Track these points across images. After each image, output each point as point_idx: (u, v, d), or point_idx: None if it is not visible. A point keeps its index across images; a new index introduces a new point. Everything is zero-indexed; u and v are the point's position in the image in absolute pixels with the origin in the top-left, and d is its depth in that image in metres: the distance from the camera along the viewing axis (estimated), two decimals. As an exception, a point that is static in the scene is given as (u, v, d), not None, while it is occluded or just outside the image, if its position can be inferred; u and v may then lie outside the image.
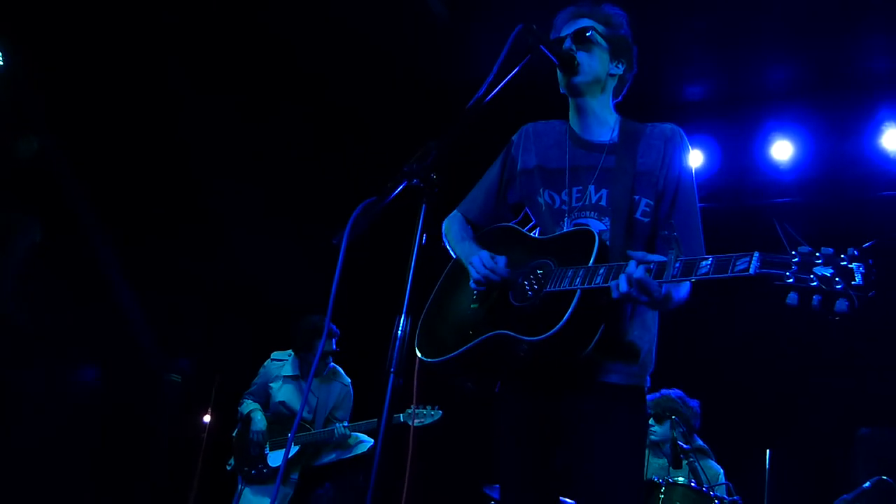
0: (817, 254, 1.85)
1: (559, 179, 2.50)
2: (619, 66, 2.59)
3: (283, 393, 5.45)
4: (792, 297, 1.87)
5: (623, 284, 2.08)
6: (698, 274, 2.01)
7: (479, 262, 2.40)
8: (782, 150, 6.16)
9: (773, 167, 6.21)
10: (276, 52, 6.08)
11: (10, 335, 5.45)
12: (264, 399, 5.48)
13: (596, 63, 2.52)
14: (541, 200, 2.52)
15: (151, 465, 6.72)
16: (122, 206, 6.23)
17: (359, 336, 5.54)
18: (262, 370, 5.60)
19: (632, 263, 2.10)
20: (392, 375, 1.89)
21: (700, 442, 4.77)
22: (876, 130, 5.88)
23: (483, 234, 2.65)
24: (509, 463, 2.46)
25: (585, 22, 2.54)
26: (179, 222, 6.50)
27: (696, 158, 6.36)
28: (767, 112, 6.20)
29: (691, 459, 4.23)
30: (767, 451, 4.47)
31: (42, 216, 5.83)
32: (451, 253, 2.66)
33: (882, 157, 5.86)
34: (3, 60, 5.20)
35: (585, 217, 2.43)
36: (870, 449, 5.05)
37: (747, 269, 1.93)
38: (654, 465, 4.72)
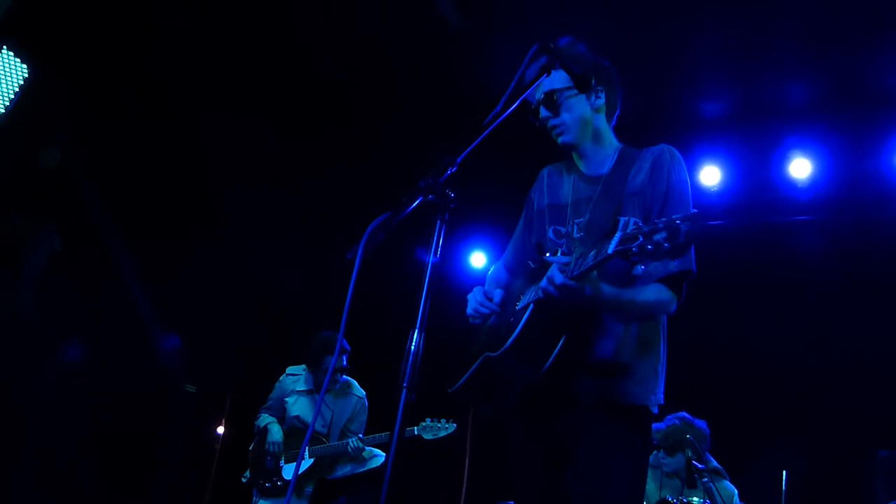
0: (660, 224, 1.89)
1: (564, 214, 2.56)
2: (599, 95, 2.60)
3: (298, 407, 5.46)
4: (637, 270, 1.96)
5: (543, 282, 2.18)
6: (586, 265, 2.10)
7: (471, 297, 2.53)
8: (800, 168, 6.12)
9: (791, 185, 6.17)
10: (293, 63, 6.10)
11: (24, 341, 5.50)
12: (280, 413, 5.50)
13: (575, 114, 2.57)
14: (548, 237, 2.58)
15: (165, 475, 6.74)
16: (139, 215, 6.29)
17: (373, 350, 5.55)
18: (277, 385, 5.62)
19: (553, 266, 2.19)
20: (404, 391, 1.90)
21: (714, 462, 4.73)
22: (892, 149, 5.83)
23: (518, 278, 2.72)
24: (518, 481, 2.51)
25: (550, 80, 2.52)
26: (194, 232, 6.55)
27: (713, 176, 6.32)
28: (786, 130, 6.17)
29: (705, 479, 4.19)
30: (784, 472, 4.42)
31: (62, 224, 5.90)
32: None
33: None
34: (28, 72, 5.28)
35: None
36: (890, 472, 4.98)
37: (607, 251, 1.99)
38: (669, 486, 4.68)
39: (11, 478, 5.34)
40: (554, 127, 2.58)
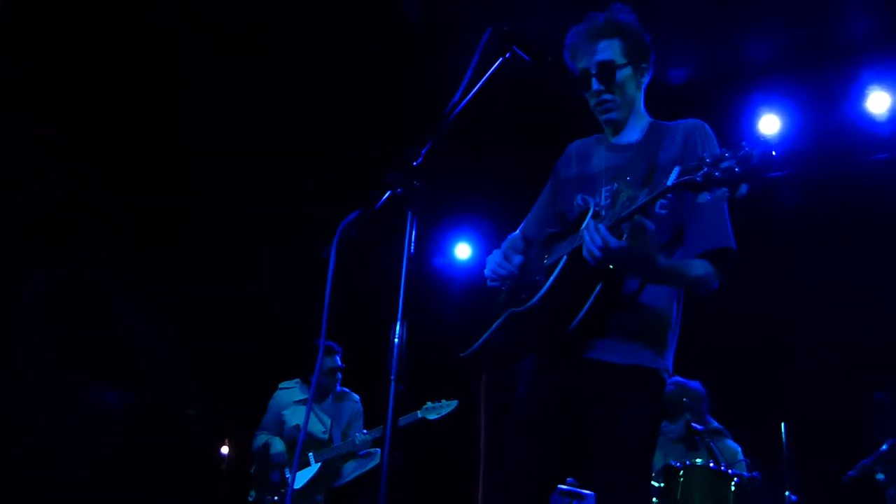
0: (727, 152, 1.91)
1: (593, 184, 2.55)
2: (646, 74, 2.60)
3: (297, 416, 5.44)
4: (703, 197, 1.95)
5: (587, 242, 2.14)
6: (637, 204, 2.12)
7: (489, 260, 2.53)
8: (770, 125, 6.16)
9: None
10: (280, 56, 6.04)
11: (30, 360, 5.50)
12: (277, 429, 5.46)
13: (627, 93, 2.54)
14: (575, 205, 2.57)
15: (175, 497, 6.73)
16: (131, 233, 6.29)
17: (360, 346, 5.54)
18: (271, 402, 5.59)
19: (598, 225, 2.16)
20: (393, 383, 1.92)
21: (715, 423, 4.76)
22: (860, 95, 5.87)
23: (535, 245, 2.71)
24: (518, 422, 2.48)
25: (605, 50, 2.51)
26: (180, 248, 6.53)
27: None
28: (753, 88, 6.18)
29: (707, 440, 4.23)
30: (783, 423, 4.46)
31: (62, 245, 5.89)
32: None
33: (868, 121, 5.85)
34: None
35: None
36: (886, 412, 5.04)
37: (666, 184, 2.02)
38: (674, 451, 4.71)
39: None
40: (605, 101, 2.53)
